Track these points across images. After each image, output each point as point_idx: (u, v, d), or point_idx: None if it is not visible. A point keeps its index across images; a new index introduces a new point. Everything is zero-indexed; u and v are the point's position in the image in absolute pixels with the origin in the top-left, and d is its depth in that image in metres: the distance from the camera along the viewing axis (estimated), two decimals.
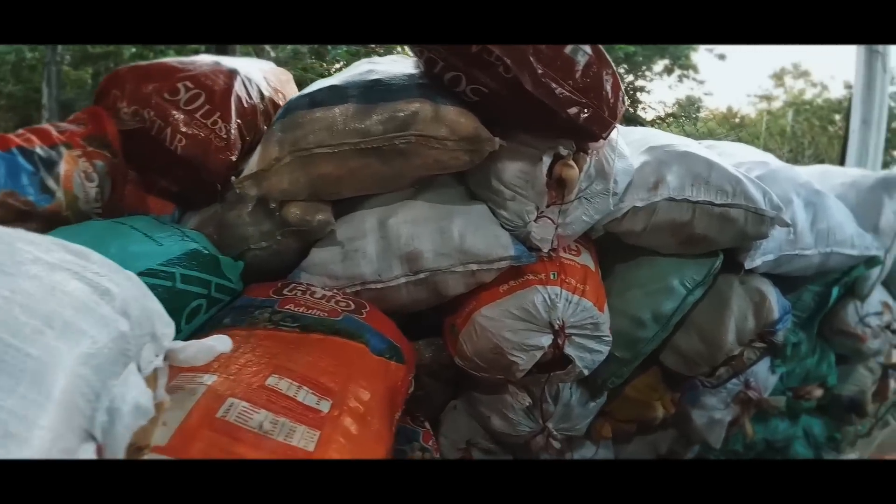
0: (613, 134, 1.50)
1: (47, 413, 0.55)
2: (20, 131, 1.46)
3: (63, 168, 1.45)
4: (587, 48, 1.33)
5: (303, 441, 0.96)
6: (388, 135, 1.35)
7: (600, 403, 1.77)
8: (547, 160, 1.40)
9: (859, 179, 2.20)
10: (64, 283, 0.69)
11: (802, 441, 2.43)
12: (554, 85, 1.28)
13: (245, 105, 1.68)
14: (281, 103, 1.82)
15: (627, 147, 1.62)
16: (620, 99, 1.36)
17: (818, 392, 2.26)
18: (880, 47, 3.45)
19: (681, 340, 1.76)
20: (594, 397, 1.73)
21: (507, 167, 1.42)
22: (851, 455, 2.00)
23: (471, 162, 1.38)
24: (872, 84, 3.49)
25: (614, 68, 1.37)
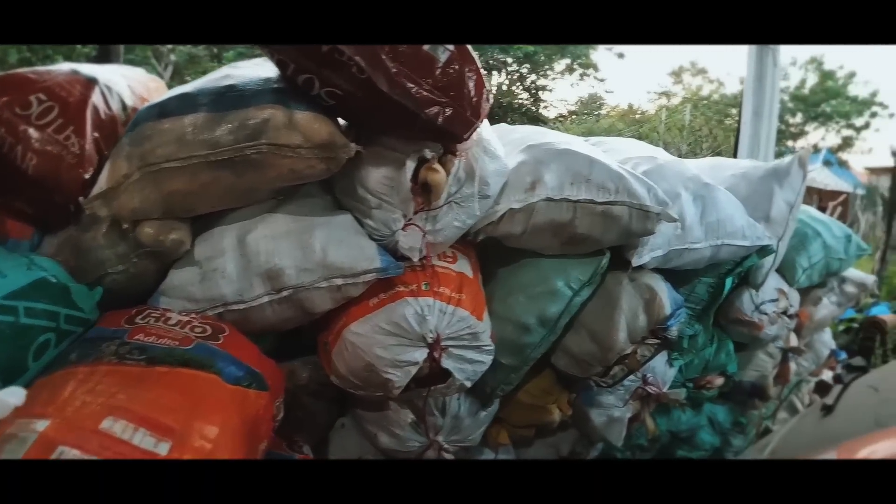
0: (486, 134, 1.44)
1: None
2: None
3: None
4: (449, 44, 1.25)
5: None
6: (239, 145, 1.25)
7: (492, 412, 1.72)
8: (411, 164, 1.32)
9: (750, 171, 2.20)
10: None
11: (708, 429, 2.45)
12: (411, 84, 1.21)
13: (103, 116, 1.54)
14: None
15: (506, 147, 1.56)
16: (484, 97, 1.29)
17: (719, 381, 2.26)
18: None
19: (571, 342, 1.71)
20: (485, 406, 1.67)
21: (370, 173, 1.34)
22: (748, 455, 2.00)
23: (328, 170, 1.29)
24: (763, 77, 3.56)
25: (478, 65, 1.30)
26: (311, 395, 1.56)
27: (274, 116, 1.25)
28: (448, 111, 1.24)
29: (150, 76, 1.95)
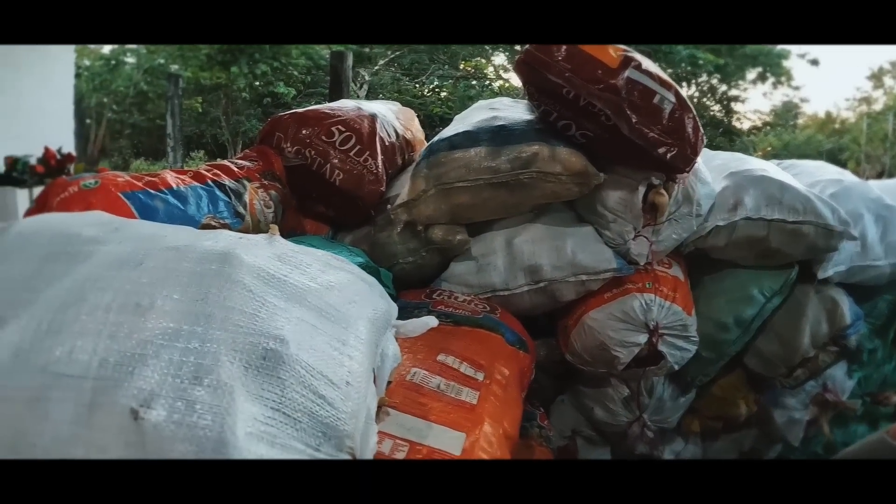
0: (697, 164, 1.90)
1: (361, 351, 0.99)
2: (205, 166, 1.91)
3: (247, 197, 1.88)
4: (672, 97, 1.73)
5: (468, 397, 1.40)
6: (514, 171, 1.79)
7: (689, 399, 2.15)
8: (642, 189, 1.82)
9: None
10: (345, 279, 1.13)
11: None
12: (646, 130, 1.69)
13: (386, 144, 2.17)
14: (409, 139, 2.34)
15: (710, 172, 2.01)
16: (700, 138, 1.76)
17: None
18: None
19: (761, 344, 2.13)
20: (684, 393, 2.12)
21: (609, 195, 1.85)
22: None
23: (580, 193, 1.82)
24: None
25: (695, 112, 1.77)
26: (542, 370, 2.07)
27: (541, 151, 1.78)
28: (674, 150, 1.72)
29: (406, 109, 2.58)
